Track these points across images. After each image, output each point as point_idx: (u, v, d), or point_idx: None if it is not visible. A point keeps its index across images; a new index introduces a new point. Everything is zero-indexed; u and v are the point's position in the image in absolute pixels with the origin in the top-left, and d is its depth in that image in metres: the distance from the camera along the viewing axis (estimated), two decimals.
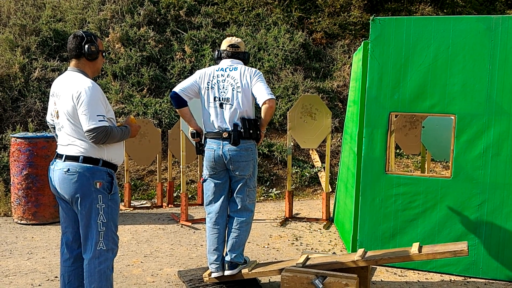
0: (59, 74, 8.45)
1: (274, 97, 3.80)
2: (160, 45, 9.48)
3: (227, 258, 3.97)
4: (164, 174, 7.58)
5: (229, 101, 3.82)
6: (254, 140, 3.91)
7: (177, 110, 4.00)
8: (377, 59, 4.47)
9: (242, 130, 3.80)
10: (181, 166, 6.24)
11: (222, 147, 3.83)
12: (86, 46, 3.13)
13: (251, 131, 3.82)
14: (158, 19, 9.89)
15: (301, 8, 10.67)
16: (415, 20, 4.43)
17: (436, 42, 4.32)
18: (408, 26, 4.39)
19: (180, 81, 8.87)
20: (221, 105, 3.84)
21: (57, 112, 3.13)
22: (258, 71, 3.91)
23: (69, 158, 3.09)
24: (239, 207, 3.96)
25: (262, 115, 3.82)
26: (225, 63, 3.95)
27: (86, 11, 9.85)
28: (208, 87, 3.88)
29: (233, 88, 3.83)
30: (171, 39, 9.67)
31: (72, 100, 3.02)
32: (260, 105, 3.79)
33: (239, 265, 3.98)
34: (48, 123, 3.39)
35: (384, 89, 4.46)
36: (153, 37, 9.49)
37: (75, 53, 3.16)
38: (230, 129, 3.81)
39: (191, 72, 9.14)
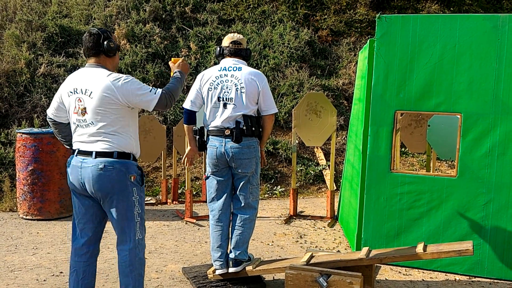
0: (64, 70, 8.48)
1: None
2: (165, 42, 9.48)
3: (231, 255, 3.97)
4: (168, 171, 7.59)
5: (232, 101, 3.82)
6: (256, 137, 3.91)
7: (184, 125, 4.04)
8: (383, 57, 4.45)
9: (244, 127, 3.81)
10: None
11: (225, 145, 3.83)
12: (105, 42, 3.15)
13: (253, 128, 3.83)
14: (163, 16, 9.89)
15: (307, 5, 10.65)
16: (421, 18, 4.40)
17: (443, 40, 4.30)
18: (414, 24, 4.37)
19: (186, 78, 8.92)
20: (224, 105, 3.84)
21: (84, 109, 3.10)
22: (263, 75, 3.95)
23: (101, 154, 3.09)
24: (242, 204, 3.96)
25: (265, 126, 3.94)
26: (228, 62, 3.93)
27: (92, 7, 9.86)
28: (211, 88, 3.87)
29: (237, 88, 3.82)
30: (176, 36, 9.67)
31: (112, 92, 3.04)
32: (264, 115, 3.92)
33: (243, 263, 3.98)
34: (50, 119, 3.35)
35: (389, 87, 4.44)
36: (159, 34, 9.49)
37: (95, 51, 3.16)
38: (232, 127, 3.82)
39: (196, 69, 9.15)
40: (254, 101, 3.87)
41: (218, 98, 3.85)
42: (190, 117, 3.99)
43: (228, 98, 3.83)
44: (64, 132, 3.37)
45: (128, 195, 3.14)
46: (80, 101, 3.12)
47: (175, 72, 3.45)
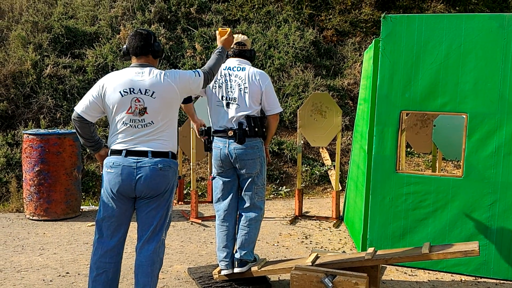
0: (70, 71, 8.51)
1: None
2: (170, 42, 9.51)
3: (237, 255, 3.97)
4: None
5: (235, 101, 3.83)
6: (260, 137, 3.90)
7: (182, 105, 4.00)
8: (388, 57, 4.44)
9: (247, 128, 3.81)
10: (191, 164, 6.26)
11: (228, 146, 3.83)
12: (156, 44, 3.24)
13: (256, 129, 3.82)
14: (168, 16, 9.91)
15: (312, 5, 10.64)
16: (426, 18, 4.39)
17: (448, 40, 4.29)
18: (419, 23, 4.36)
19: None
20: (227, 105, 3.85)
21: (144, 108, 3.12)
22: (267, 75, 3.94)
23: (157, 154, 3.14)
24: (248, 204, 3.97)
25: (270, 126, 3.95)
26: (233, 62, 3.94)
27: (97, 8, 9.90)
28: (215, 86, 3.89)
29: (240, 88, 3.83)
30: (181, 36, 9.69)
31: (174, 90, 3.17)
32: (268, 115, 3.92)
33: (249, 263, 3.98)
34: (78, 116, 3.17)
35: (395, 87, 4.44)
36: (164, 34, 9.51)
37: (145, 50, 3.21)
38: (235, 128, 3.82)
39: None
40: (258, 101, 3.88)
41: (222, 97, 3.86)
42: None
43: (232, 98, 3.84)
44: (90, 132, 3.25)
45: (171, 194, 3.27)
46: (139, 101, 3.12)
47: (218, 47, 3.60)
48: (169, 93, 3.17)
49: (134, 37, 3.22)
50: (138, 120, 3.14)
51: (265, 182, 4.08)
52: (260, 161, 3.92)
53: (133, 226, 3.54)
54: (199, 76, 3.31)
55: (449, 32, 4.28)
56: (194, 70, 3.31)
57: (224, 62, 3.98)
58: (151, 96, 3.13)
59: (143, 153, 3.13)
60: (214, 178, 4.03)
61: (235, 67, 3.90)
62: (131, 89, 3.13)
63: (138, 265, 3.22)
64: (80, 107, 3.19)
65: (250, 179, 3.93)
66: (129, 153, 3.14)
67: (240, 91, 3.83)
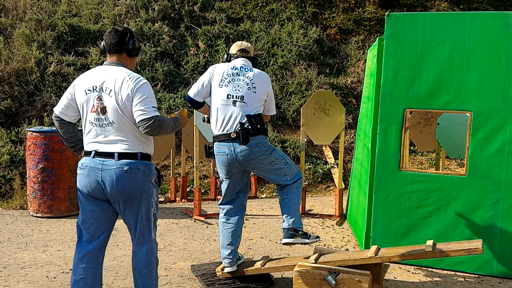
0: (74, 69, 8.53)
1: None
2: (174, 41, 9.51)
3: (284, 225, 3.85)
4: (177, 169, 7.62)
5: (243, 99, 3.84)
6: (262, 134, 3.86)
7: (196, 110, 4.12)
8: (392, 55, 4.44)
9: (250, 127, 3.79)
10: (194, 161, 6.27)
11: (234, 150, 3.80)
12: (131, 41, 3.13)
13: (258, 126, 3.82)
14: (172, 15, 9.92)
15: (316, 4, 10.63)
16: (431, 16, 4.39)
17: (452, 38, 4.28)
18: (423, 21, 4.35)
19: (194, 77, 8.96)
20: (234, 103, 3.84)
21: (104, 107, 3.01)
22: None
23: (124, 155, 3.01)
24: (283, 185, 3.91)
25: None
26: (239, 62, 3.98)
27: (101, 6, 9.91)
28: (221, 85, 3.88)
29: (249, 87, 3.86)
30: (185, 35, 9.69)
31: (130, 92, 2.98)
32: (264, 114, 3.99)
33: (298, 236, 3.80)
34: (56, 117, 3.18)
35: (399, 85, 4.43)
36: (167, 33, 9.52)
37: (118, 48, 3.11)
38: (238, 129, 3.79)
39: (204, 68, 9.16)
40: (262, 101, 3.92)
41: (227, 95, 3.85)
42: (194, 103, 3.98)
43: (239, 96, 3.84)
44: (70, 132, 3.24)
45: (149, 196, 3.12)
46: (100, 99, 3.02)
47: (177, 117, 3.31)
48: (129, 94, 3.00)
49: (109, 34, 3.14)
50: (102, 119, 3.03)
51: (285, 156, 4.01)
52: (269, 152, 3.87)
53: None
54: (154, 111, 2.99)
55: (454, 30, 4.27)
56: (157, 110, 3.04)
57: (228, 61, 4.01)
58: (108, 94, 3.01)
59: (110, 155, 3.01)
60: (222, 182, 3.98)
61: (242, 67, 3.93)
62: (94, 87, 3.05)
63: (134, 268, 3.17)
64: (58, 108, 3.17)
65: (271, 169, 3.88)
66: (97, 154, 3.04)
67: (249, 90, 3.85)
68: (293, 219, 3.85)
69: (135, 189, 3.04)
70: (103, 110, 3.02)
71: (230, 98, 3.85)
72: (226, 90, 3.86)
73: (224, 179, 3.98)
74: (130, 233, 3.23)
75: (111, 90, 3.00)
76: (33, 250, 4.88)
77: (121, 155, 3.01)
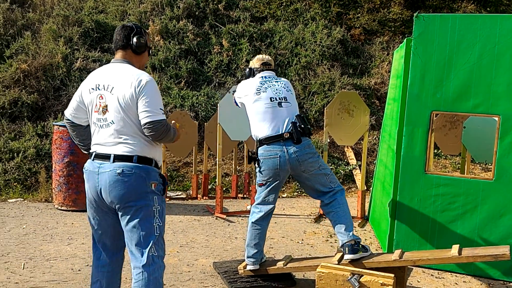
0: (100, 65, 8.61)
1: None
2: (198, 39, 9.56)
3: (343, 238, 3.75)
4: (199, 166, 7.66)
5: (286, 100, 3.90)
6: (307, 136, 3.89)
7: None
8: (420, 57, 4.39)
9: (302, 125, 3.80)
10: (217, 159, 6.29)
11: (287, 151, 3.76)
12: (135, 38, 2.93)
13: (309, 127, 3.85)
14: (197, 13, 9.96)
15: (340, 4, 10.56)
16: (460, 18, 4.33)
17: (482, 40, 4.22)
18: (453, 23, 4.30)
19: (217, 75, 8.99)
20: (279, 104, 3.87)
21: (106, 106, 2.83)
22: None
23: (120, 158, 2.79)
24: (331, 194, 3.90)
25: None
26: (265, 73, 4.07)
27: (127, 3, 10.01)
28: (259, 92, 3.92)
29: (287, 90, 3.96)
30: (209, 33, 9.73)
31: (133, 91, 2.78)
32: None
33: (360, 249, 3.73)
34: (67, 120, 3.04)
35: (426, 87, 4.38)
36: (192, 30, 9.56)
37: (122, 44, 2.94)
38: (290, 129, 3.79)
39: (228, 66, 9.19)
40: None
41: (270, 98, 3.89)
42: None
43: (282, 98, 3.90)
44: (82, 135, 3.09)
45: (147, 204, 2.83)
46: (102, 98, 2.85)
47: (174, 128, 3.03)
48: (131, 92, 2.79)
49: (117, 30, 2.98)
50: (102, 119, 2.85)
51: (327, 166, 4.05)
52: (317, 155, 3.91)
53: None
54: (161, 115, 2.81)
55: (483, 32, 4.21)
56: (162, 112, 2.84)
57: (251, 77, 4.11)
58: (110, 92, 2.83)
59: (107, 157, 2.81)
60: (262, 185, 3.93)
61: (270, 76, 4.05)
62: (97, 85, 2.88)
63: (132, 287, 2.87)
64: (68, 111, 3.04)
65: (319, 174, 3.87)
66: (96, 156, 2.87)
67: (288, 92, 3.95)
68: (351, 231, 3.80)
69: (128, 195, 2.78)
70: (104, 109, 2.84)
71: (273, 100, 3.88)
72: (267, 94, 3.90)
73: (266, 183, 3.90)
74: (128, 249, 2.90)
75: (113, 87, 2.83)
76: (58, 242, 4.96)
77: (117, 158, 2.80)
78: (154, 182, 2.86)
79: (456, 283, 4.21)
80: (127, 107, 2.80)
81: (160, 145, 3.00)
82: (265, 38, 9.74)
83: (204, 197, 7.05)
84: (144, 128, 2.79)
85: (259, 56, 4.18)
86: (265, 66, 4.10)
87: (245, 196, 7.16)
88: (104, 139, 2.86)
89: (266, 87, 3.93)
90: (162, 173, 3.07)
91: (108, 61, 8.85)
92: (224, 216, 6.04)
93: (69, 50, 8.71)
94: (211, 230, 5.53)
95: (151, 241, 2.83)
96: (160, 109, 2.84)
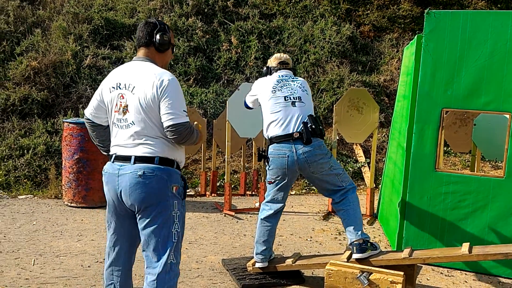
0: (109, 62, 8.66)
1: None
2: (207, 36, 9.56)
3: (352, 237, 3.75)
4: (208, 163, 7.66)
5: (301, 100, 3.89)
6: (319, 136, 3.83)
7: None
8: (431, 53, 4.36)
9: (313, 126, 3.78)
10: (226, 156, 6.29)
11: (296, 151, 3.74)
12: (158, 35, 2.81)
13: (320, 127, 3.83)
14: (206, 10, 9.96)
15: (349, 0, 10.52)
16: (471, 14, 4.29)
17: (494, 37, 4.18)
18: (464, 20, 4.26)
19: (226, 72, 8.99)
20: (293, 103, 3.86)
21: (126, 106, 2.73)
22: None
23: (141, 159, 2.70)
24: (342, 192, 3.85)
25: None
26: (283, 72, 4.08)
27: (136, 1, 10.03)
28: (274, 90, 3.93)
29: (303, 90, 3.96)
30: (218, 30, 9.73)
31: (155, 91, 2.67)
32: None
33: (368, 247, 3.73)
34: (87, 120, 2.96)
35: (437, 84, 4.35)
36: (201, 28, 9.57)
37: (145, 41, 2.83)
38: (300, 128, 3.77)
39: (236, 63, 9.18)
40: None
41: (285, 97, 3.89)
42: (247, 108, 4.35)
43: (296, 97, 3.90)
44: (102, 136, 3.01)
45: (167, 208, 2.74)
46: (123, 97, 2.75)
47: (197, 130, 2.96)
48: (152, 91, 2.69)
49: (140, 26, 2.88)
50: (122, 119, 2.75)
51: (340, 165, 4.02)
52: (328, 155, 3.85)
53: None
54: (185, 116, 2.72)
55: (495, 29, 4.17)
56: (186, 114, 2.74)
57: (268, 75, 4.13)
58: (131, 91, 2.72)
59: (128, 159, 2.72)
60: (271, 183, 3.93)
61: (287, 75, 4.05)
62: (118, 84, 2.77)
63: None
64: (88, 110, 2.96)
65: (330, 174, 3.83)
66: (116, 158, 2.78)
67: (303, 92, 3.94)
68: (360, 230, 3.79)
69: (149, 197, 2.70)
70: (125, 109, 2.74)
71: (288, 100, 3.87)
72: (282, 93, 3.91)
73: (274, 181, 3.90)
74: (143, 252, 2.82)
75: (134, 87, 2.72)
76: (68, 239, 4.99)
77: (138, 159, 2.71)
78: (176, 185, 2.78)
79: (466, 281, 4.19)
80: (148, 108, 2.70)
81: (182, 147, 2.92)
82: (274, 35, 9.73)
83: (213, 194, 7.06)
84: (167, 131, 2.70)
85: (277, 55, 4.18)
86: (282, 65, 4.09)
87: (253, 193, 7.16)
88: (124, 141, 2.77)
89: (282, 85, 3.93)
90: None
91: (117, 59, 8.93)
92: (233, 213, 6.04)
93: (79, 47, 8.75)
94: (219, 227, 5.53)
95: (169, 248, 2.75)
96: (184, 111, 2.73)
